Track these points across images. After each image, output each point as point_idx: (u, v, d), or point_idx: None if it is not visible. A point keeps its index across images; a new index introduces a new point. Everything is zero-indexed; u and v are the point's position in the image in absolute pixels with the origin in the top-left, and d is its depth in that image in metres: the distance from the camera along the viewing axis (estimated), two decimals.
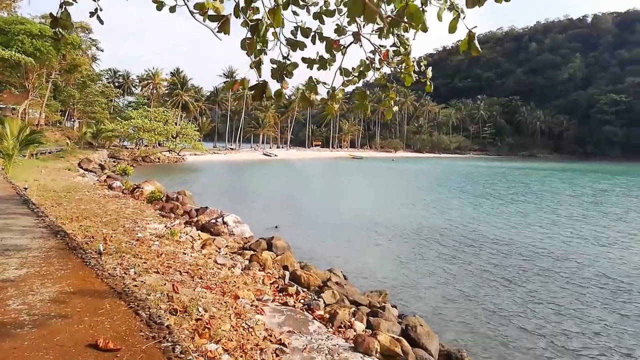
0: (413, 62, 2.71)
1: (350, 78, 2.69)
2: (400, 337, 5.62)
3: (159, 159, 50.20)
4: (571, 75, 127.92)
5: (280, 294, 6.62)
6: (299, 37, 2.51)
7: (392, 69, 2.79)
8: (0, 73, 33.76)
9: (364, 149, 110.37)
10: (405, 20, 2.03)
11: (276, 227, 14.63)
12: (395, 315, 7.07)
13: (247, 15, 2.27)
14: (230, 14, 2.18)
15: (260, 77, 2.26)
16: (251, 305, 5.55)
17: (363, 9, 1.76)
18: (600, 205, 23.66)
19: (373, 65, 2.74)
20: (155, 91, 71.16)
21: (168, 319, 4.06)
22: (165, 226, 9.75)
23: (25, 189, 12.11)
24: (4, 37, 30.03)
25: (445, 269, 10.69)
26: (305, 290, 7.28)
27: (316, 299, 6.73)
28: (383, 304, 7.32)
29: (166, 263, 6.53)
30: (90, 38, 59.41)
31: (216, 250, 8.75)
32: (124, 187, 17.41)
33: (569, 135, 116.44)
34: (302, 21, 2.53)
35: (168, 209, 13.30)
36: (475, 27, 2.00)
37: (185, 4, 2.19)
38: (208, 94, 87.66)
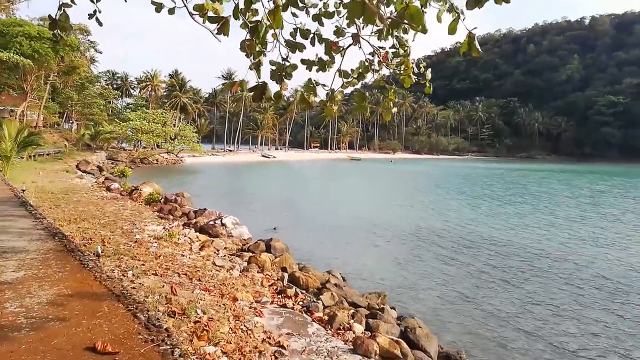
0: (412, 63, 2.71)
1: (350, 80, 2.70)
2: (400, 339, 5.62)
3: (157, 160, 50.10)
4: (569, 76, 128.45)
5: (279, 296, 6.59)
6: (298, 39, 2.51)
7: (392, 70, 2.80)
8: None
9: (363, 151, 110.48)
10: (406, 21, 2.03)
11: (275, 228, 14.62)
12: (394, 317, 7.06)
13: (247, 17, 2.27)
14: (230, 15, 2.17)
15: (259, 79, 2.26)
16: (250, 308, 5.54)
17: (363, 10, 1.76)
18: (597, 207, 23.72)
19: (372, 67, 2.74)
20: (153, 93, 71.17)
21: (166, 321, 4.03)
22: (164, 228, 9.72)
23: (23, 190, 12.07)
24: (2, 39, 29.92)
25: (443, 270, 10.69)
26: (304, 292, 7.26)
27: (315, 300, 6.71)
28: (382, 306, 7.30)
29: (164, 265, 6.51)
30: (88, 40, 59.37)
31: (214, 252, 8.71)
32: (122, 189, 17.36)
33: (567, 137, 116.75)
34: (301, 23, 2.53)
35: (166, 211, 13.25)
36: (475, 28, 2.00)
37: (185, 6, 2.18)
38: (207, 95, 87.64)
